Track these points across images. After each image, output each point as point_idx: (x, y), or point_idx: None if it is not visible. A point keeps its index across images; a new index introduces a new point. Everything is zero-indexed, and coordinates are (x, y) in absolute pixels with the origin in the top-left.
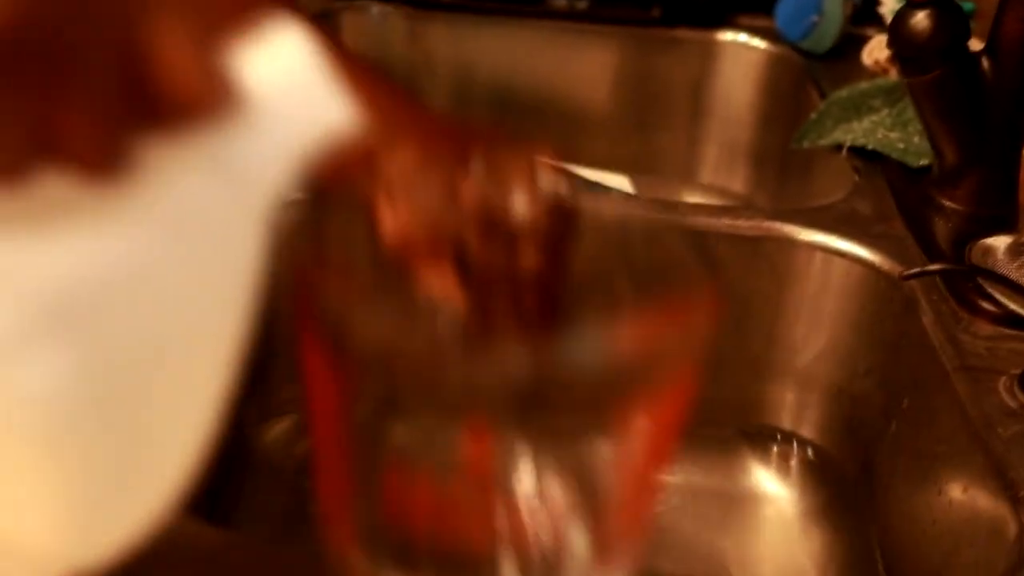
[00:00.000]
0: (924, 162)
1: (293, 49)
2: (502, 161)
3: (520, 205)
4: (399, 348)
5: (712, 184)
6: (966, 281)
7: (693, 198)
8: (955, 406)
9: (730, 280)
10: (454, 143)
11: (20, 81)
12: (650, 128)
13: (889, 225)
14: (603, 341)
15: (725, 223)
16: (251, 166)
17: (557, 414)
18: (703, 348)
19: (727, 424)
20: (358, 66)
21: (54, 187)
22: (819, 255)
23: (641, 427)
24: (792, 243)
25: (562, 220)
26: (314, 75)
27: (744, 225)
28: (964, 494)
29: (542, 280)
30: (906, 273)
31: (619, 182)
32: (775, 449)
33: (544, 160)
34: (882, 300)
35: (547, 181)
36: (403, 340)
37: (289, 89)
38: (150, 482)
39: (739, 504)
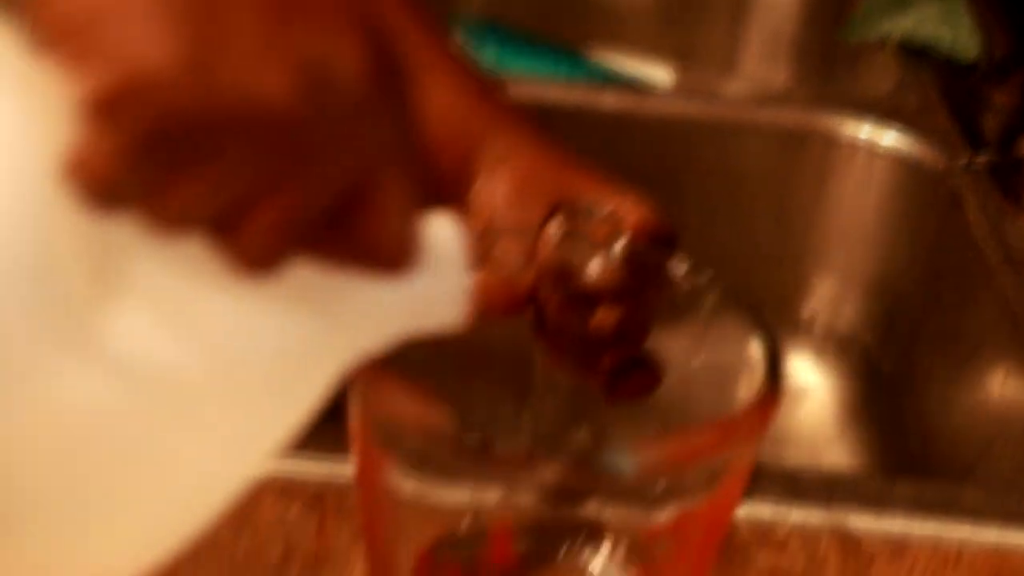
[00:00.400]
0: (972, 57)
1: (450, 229)
2: (590, 209)
3: (599, 266)
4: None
5: (754, 76)
6: (1013, 174)
7: (734, 90)
8: (998, 299)
9: (772, 173)
10: (550, 178)
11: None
12: (692, 17)
13: (934, 119)
14: (641, 458)
15: (767, 115)
16: (361, 317)
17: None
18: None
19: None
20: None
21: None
22: (862, 147)
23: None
24: (835, 135)
25: (646, 280)
26: (457, 263)
27: (786, 117)
28: (1002, 387)
29: (620, 341)
30: (952, 165)
31: (659, 72)
32: (814, 342)
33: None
34: (926, 193)
35: (631, 240)
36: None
37: (438, 270)
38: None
39: None
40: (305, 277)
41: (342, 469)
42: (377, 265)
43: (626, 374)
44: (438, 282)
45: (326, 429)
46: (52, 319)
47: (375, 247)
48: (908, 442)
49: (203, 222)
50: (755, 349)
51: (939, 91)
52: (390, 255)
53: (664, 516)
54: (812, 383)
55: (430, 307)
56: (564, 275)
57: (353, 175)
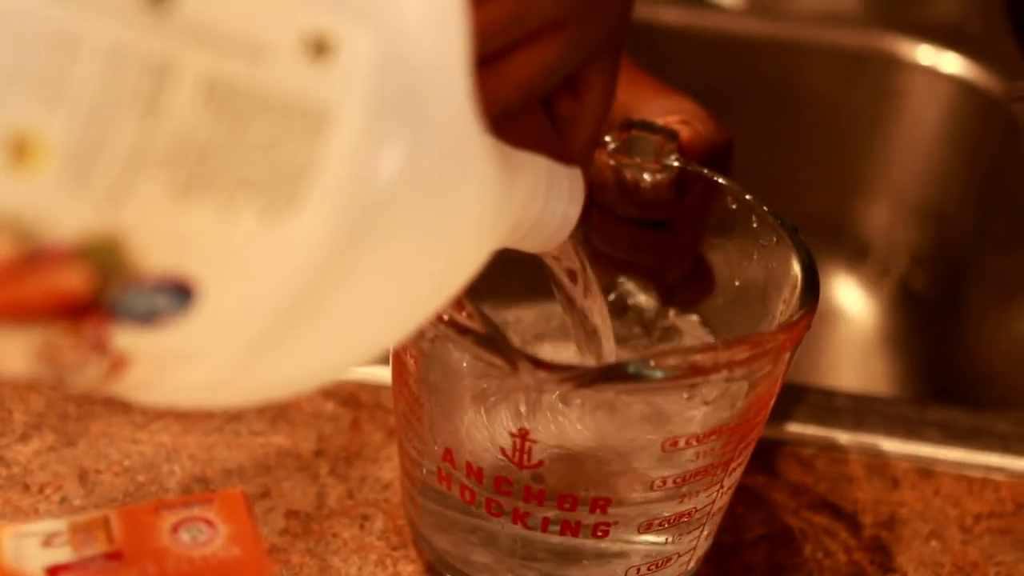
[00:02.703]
0: None
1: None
2: (645, 120)
3: (653, 178)
4: None
5: None
6: None
7: (802, 8)
8: None
9: (831, 94)
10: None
11: None
12: None
13: (999, 45)
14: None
15: (829, 35)
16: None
17: None
18: None
19: (817, 239)
20: None
21: None
22: (923, 71)
23: None
24: (895, 57)
25: (697, 193)
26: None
27: (848, 38)
28: None
29: (670, 251)
30: (1013, 92)
31: None
32: (863, 267)
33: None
34: (984, 121)
35: (685, 152)
36: None
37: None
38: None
39: (822, 318)
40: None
41: (379, 370)
42: (563, 156)
43: (681, 285)
44: (560, 203)
45: None
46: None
47: (569, 139)
48: (948, 373)
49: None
50: (796, 269)
51: (1007, 17)
52: (576, 152)
53: (693, 429)
54: (856, 308)
55: (546, 223)
56: (619, 186)
57: (596, 50)
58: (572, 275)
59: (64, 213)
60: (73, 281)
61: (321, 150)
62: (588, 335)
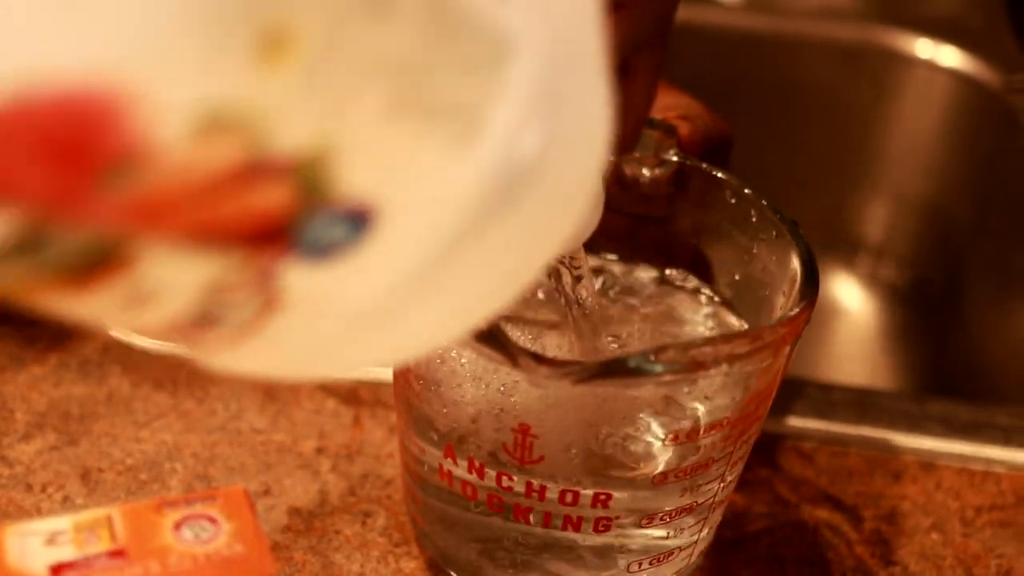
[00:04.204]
0: None
1: None
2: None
3: (652, 173)
4: None
5: None
6: None
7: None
8: None
9: (830, 89)
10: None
11: None
12: None
13: (998, 37)
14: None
15: (828, 29)
16: None
17: None
18: None
19: (816, 235)
20: None
21: None
22: (922, 65)
23: None
24: (894, 51)
25: (695, 188)
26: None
27: (847, 32)
28: None
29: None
30: (1011, 86)
31: None
32: (862, 262)
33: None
34: (983, 115)
35: (684, 148)
36: None
37: None
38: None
39: (822, 314)
40: None
41: (379, 368)
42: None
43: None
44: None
45: None
46: None
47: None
48: (948, 367)
49: None
50: (795, 263)
51: (1005, 11)
52: (621, 140)
53: (693, 423)
54: (856, 302)
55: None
56: (618, 181)
57: (648, 34)
58: (569, 267)
59: (293, 119)
60: (277, 200)
61: (504, 81)
62: (579, 321)
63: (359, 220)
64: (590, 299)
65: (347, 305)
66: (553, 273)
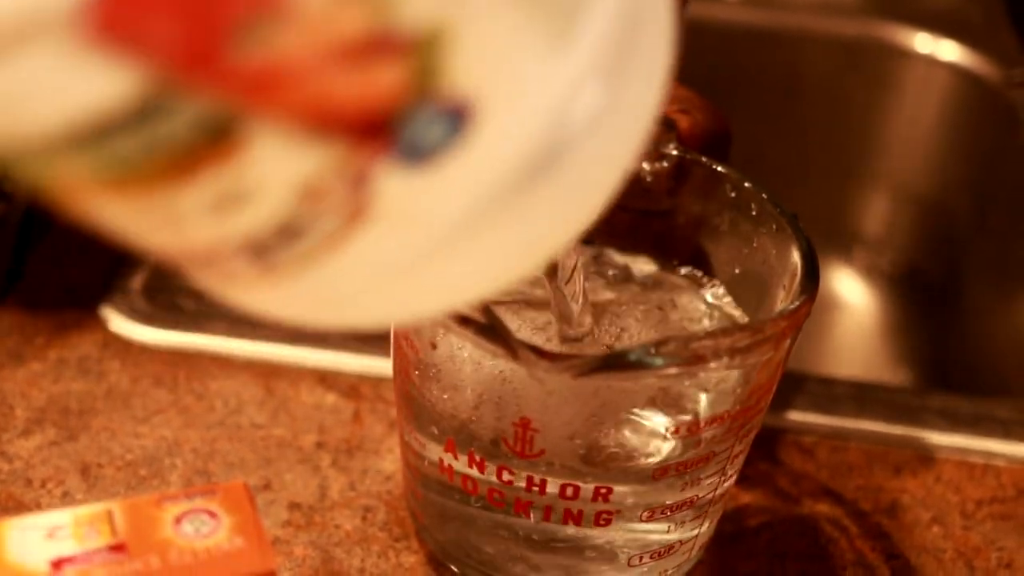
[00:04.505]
0: None
1: None
2: None
3: (651, 168)
4: None
5: None
6: None
7: None
8: None
9: (830, 83)
10: None
11: None
12: None
13: (997, 32)
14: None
15: (828, 24)
16: None
17: None
18: None
19: (816, 229)
20: None
21: None
22: (920, 59)
23: None
24: (893, 46)
25: (695, 183)
26: None
27: (847, 27)
28: None
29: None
30: (1011, 80)
31: None
32: (862, 256)
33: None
34: (983, 110)
35: (683, 142)
36: None
37: None
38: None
39: (822, 308)
40: None
41: (379, 363)
42: None
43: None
44: None
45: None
46: None
47: None
48: (948, 360)
49: None
50: (795, 256)
51: (1004, 5)
52: None
53: (694, 416)
54: (856, 297)
55: None
56: None
57: None
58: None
59: None
60: (389, 85)
61: None
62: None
63: (458, 120)
64: (579, 290)
65: (430, 222)
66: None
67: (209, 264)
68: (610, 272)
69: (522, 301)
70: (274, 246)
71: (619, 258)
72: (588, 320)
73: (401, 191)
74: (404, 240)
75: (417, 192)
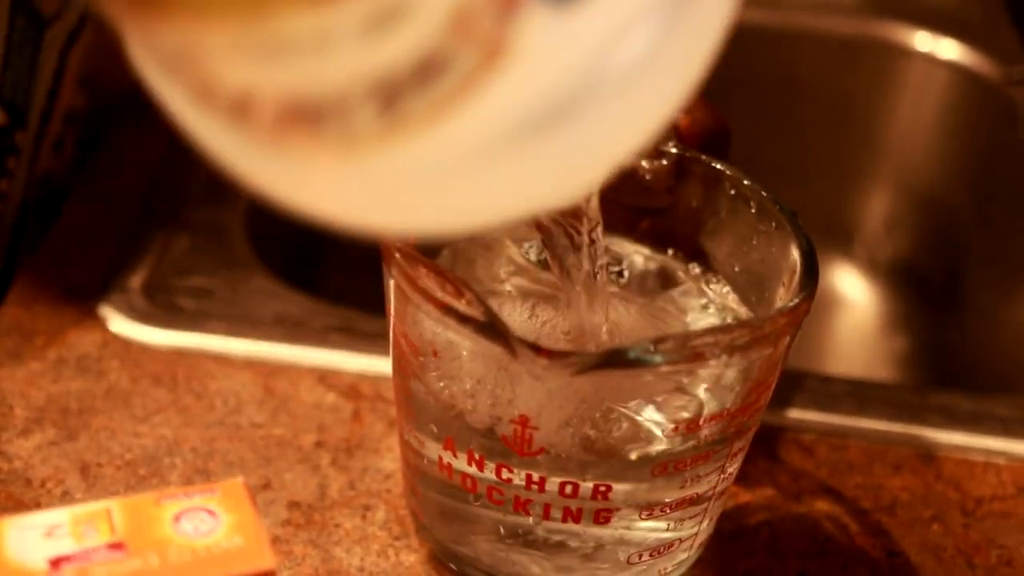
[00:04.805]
0: None
1: None
2: None
3: (649, 167)
4: None
5: None
6: None
7: None
8: None
9: (828, 82)
10: None
11: None
12: None
13: (997, 30)
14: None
15: (826, 23)
16: None
17: None
18: None
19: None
20: None
21: None
22: (920, 57)
23: None
24: (893, 44)
25: (694, 181)
26: None
27: (846, 25)
28: None
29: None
30: (1010, 78)
31: None
32: (862, 254)
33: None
34: (982, 108)
35: (682, 141)
36: None
37: None
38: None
39: (822, 306)
40: None
41: (379, 362)
42: None
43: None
44: None
45: (365, 323)
46: None
47: None
48: (948, 358)
49: None
50: (795, 254)
51: (1004, 3)
52: None
53: (693, 414)
54: (856, 294)
55: None
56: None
57: None
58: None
59: None
60: None
61: None
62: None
63: None
64: (590, 268)
65: (559, 72)
66: (545, 232)
67: (333, 117)
68: (610, 269)
69: (528, 295)
70: (408, 90)
71: (617, 259)
72: (586, 264)
73: (540, 32)
74: (530, 95)
75: (554, 36)
